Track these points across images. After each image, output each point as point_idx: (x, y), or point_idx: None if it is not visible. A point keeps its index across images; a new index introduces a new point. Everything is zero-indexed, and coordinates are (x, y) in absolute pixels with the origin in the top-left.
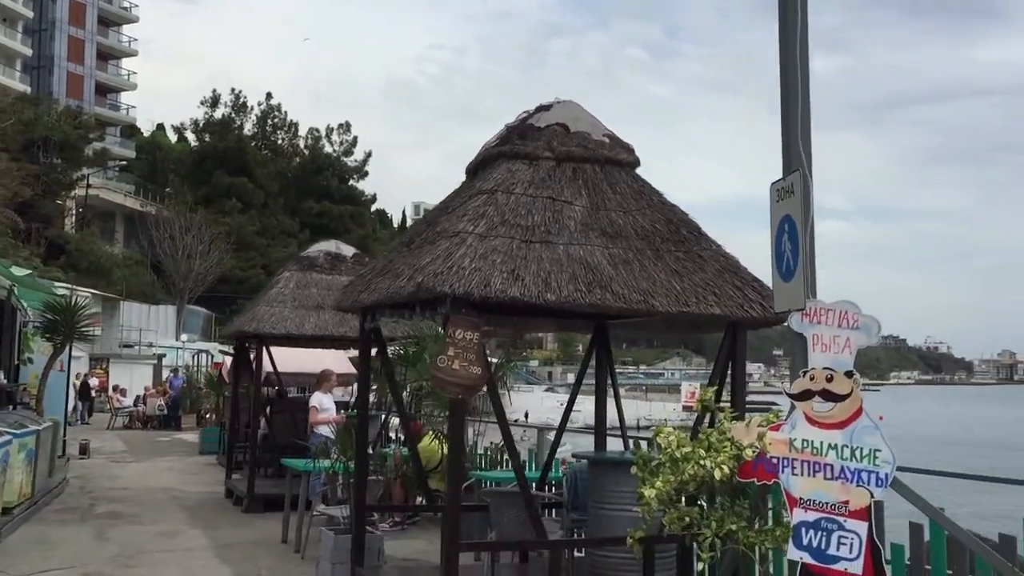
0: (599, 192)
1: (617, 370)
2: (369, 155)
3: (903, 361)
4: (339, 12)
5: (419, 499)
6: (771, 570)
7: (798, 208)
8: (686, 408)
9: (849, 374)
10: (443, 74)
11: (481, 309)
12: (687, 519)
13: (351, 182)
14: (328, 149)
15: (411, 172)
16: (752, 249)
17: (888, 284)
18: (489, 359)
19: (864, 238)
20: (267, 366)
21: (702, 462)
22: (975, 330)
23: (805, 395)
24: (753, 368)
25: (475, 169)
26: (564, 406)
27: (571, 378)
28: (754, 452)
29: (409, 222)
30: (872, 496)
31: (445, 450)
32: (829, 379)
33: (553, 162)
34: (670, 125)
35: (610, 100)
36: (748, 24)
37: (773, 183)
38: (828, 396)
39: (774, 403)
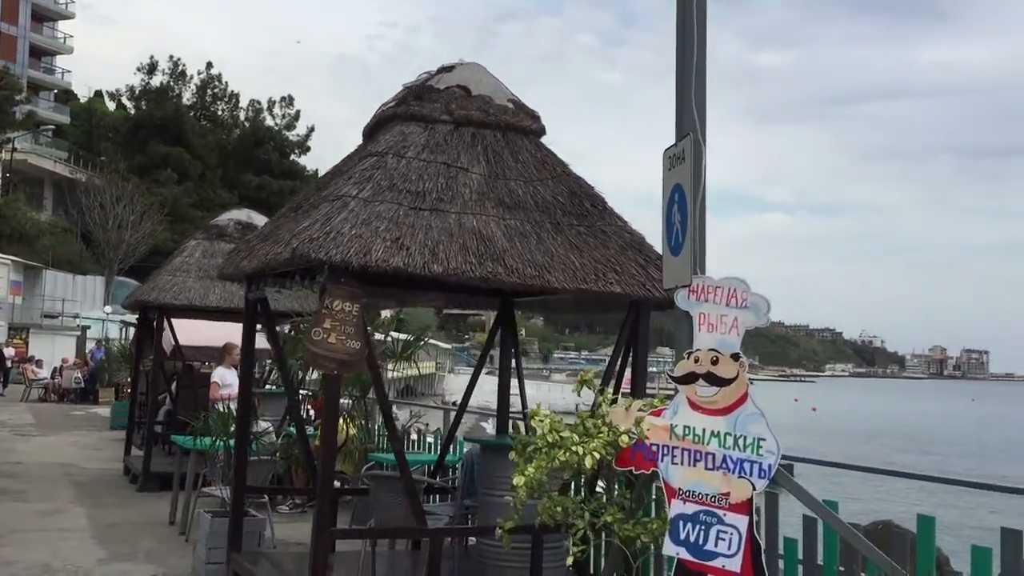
0: (499, 160)
1: (558, 355)
2: (312, 130)
3: (838, 354)
4: None
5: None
6: (652, 566)
7: (688, 176)
8: (625, 395)
9: (736, 356)
10: (394, 52)
11: (362, 279)
12: (560, 509)
13: (293, 157)
14: (270, 122)
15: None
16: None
17: (828, 277)
18: (399, 336)
19: (807, 232)
20: (173, 339)
21: (574, 448)
22: (908, 325)
23: (689, 378)
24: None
25: (371, 131)
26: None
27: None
28: (631, 438)
29: None
30: (754, 488)
31: (350, 430)
32: (715, 361)
33: (451, 126)
34: (620, 112)
35: (562, 85)
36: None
37: (665, 149)
38: (713, 380)
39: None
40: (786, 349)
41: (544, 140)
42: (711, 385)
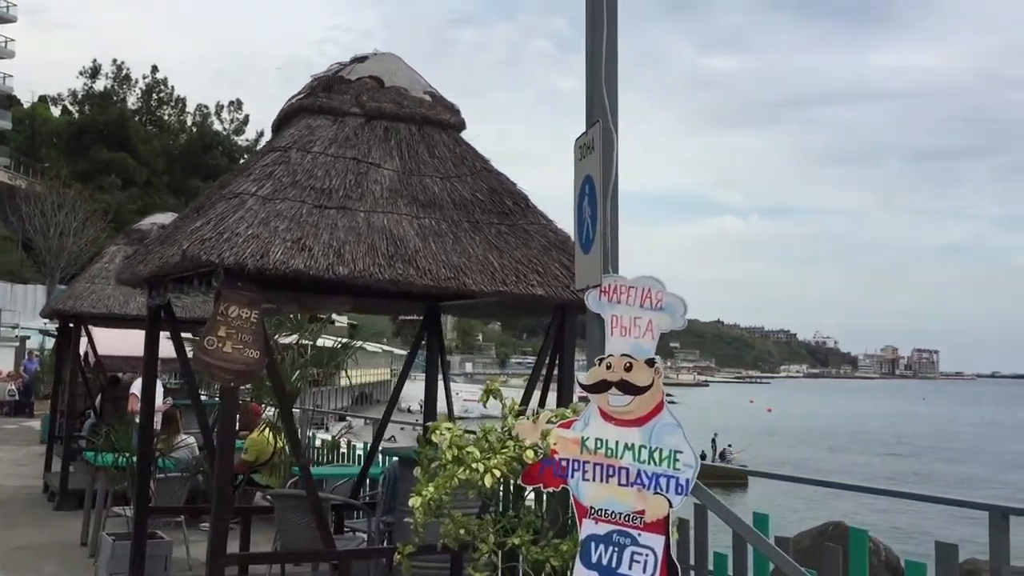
0: (414, 155)
1: (515, 360)
2: (261, 134)
3: (793, 355)
4: None
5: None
6: None
7: (598, 167)
8: (582, 399)
9: (651, 362)
10: (345, 56)
11: (262, 283)
12: (463, 531)
13: (241, 161)
14: (218, 127)
15: None
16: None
17: (782, 279)
18: (331, 342)
19: (759, 234)
20: (92, 349)
21: (474, 465)
22: (861, 325)
23: (600, 387)
24: None
25: (278, 125)
26: (460, 395)
27: (470, 367)
28: (536, 454)
29: None
30: (671, 505)
31: (278, 443)
32: (628, 368)
33: (362, 119)
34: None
35: (518, 90)
36: (651, 19)
37: (576, 139)
38: (626, 388)
39: (669, 395)
40: (742, 351)
41: (489, 144)
42: (624, 394)
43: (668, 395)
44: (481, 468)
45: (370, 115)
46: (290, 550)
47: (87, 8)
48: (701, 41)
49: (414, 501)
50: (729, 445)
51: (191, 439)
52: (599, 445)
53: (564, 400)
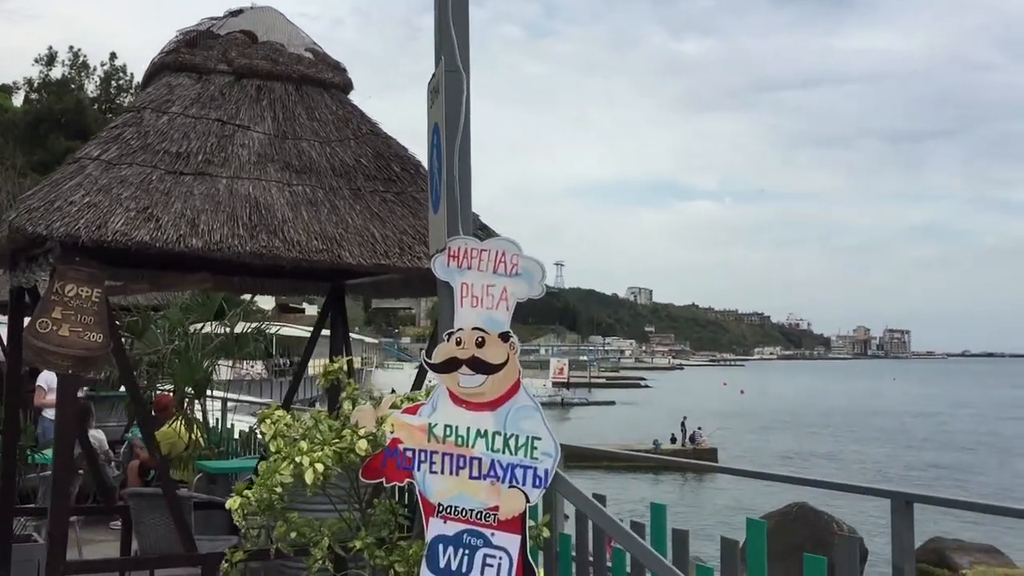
0: (290, 117)
1: None
2: None
3: (766, 337)
4: None
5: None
6: None
7: (443, 113)
8: (556, 384)
9: (505, 336)
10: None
11: (105, 258)
12: (294, 534)
13: None
14: None
15: None
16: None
17: (755, 262)
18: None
19: (734, 218)
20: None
21: (299, 459)
22: (833, 307)
23: (450, 365)
24: (625, 344)
25: (144, 86)
26: (432, 382)
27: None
28: (371, 444)
29: None
30: (528, 500)
31: (189, 436)
32: (480, 343)
33: (231, 77)
34: (545, 104)
35: (490, 76)
36: (622, 4)
37: (428, 82)
38: (478, 366)
39: (643, 378)
40: (717, 334)
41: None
42: (476, 373)
43: (640, 378)
44: (306, 462)
45: (240, 73)
46: (148, 555)
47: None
48: (672, 26)
49: (232, 502)
50: (699, 428)
51: (100, 433)
52: (448, 432)
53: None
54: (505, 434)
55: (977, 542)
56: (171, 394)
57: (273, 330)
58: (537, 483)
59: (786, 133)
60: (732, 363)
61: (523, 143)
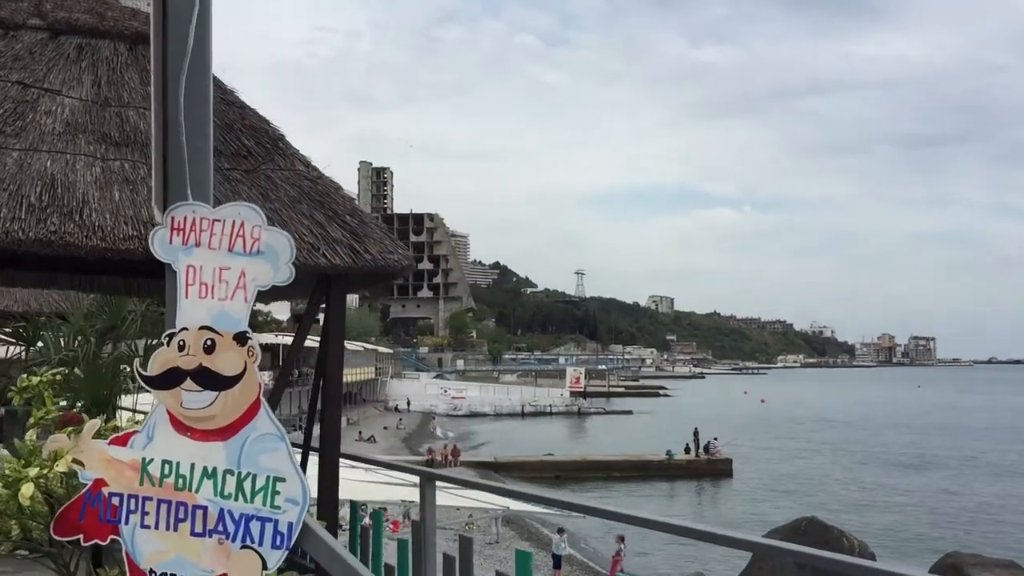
0: (118, 81)
1: (508, 356)
2: None
3: (790, 345)
4: None
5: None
6: None
7: (159, 37)
8: (573, 393)
9: (242, 338)
10: (334, 57)
11: None
12: None
13: None
14: None
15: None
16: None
17: (777, 270)
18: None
19: (754, 226)
20: None
21: None
22: (857, 314)
23: (171, 378)
24: (646, 353)
25: None
26: (447, 392)
27: (461, 364)
28: (67, 484)
29: None
30: (265, 566)
31: None
32: (209, 348)
33: (44, 33)
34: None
35: (506, 87)
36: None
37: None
38: (207, 380)
39: (663, 387)
40: (739, 342)
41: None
42: (205, 389)
43: (661, 387)
44: None
45: (56, 29)
46: None
47: None
48: (688, 34)
49: None
50: (715, 438)
51: None
52: (167, 471)
53: (329, 404)
54: (239, 473)
55: (996, 557)
56: (75, 411)
57: (281, 340)
58: (278, 542)
59: (804, 139)
60: (755, 371)
61: (540, 151)
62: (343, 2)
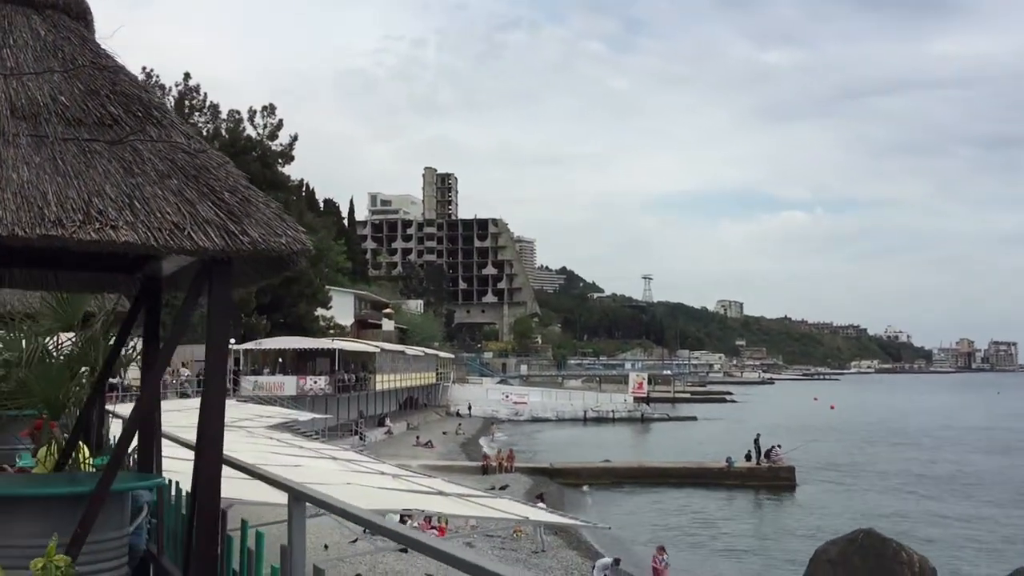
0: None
1: (574, 362)
2: (295, 139)
3: (863, 350)
4: (294, 3)
5: None
6: None
7: None
8: (637, 399)
9: None
10: (401, 65)
11: None
12: None
13: (277, 167)
14: (252, 133)
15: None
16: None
17: (850, 273)
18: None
19: (826, 229)
20: None
21: None
22: (935, 319)
23: None
24: (714, 358)
25: None
26: (509, 398)
27: (525, 369)
28: None
29: (361, 212)
30: None
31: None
32: None
33: None
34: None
35: (571, 94)
36: (705, 16)
37: None
38: None
39: (729, 392)
40: (810, 347)
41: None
42: None
43: (727, 393)
44: None
45: None
46: None
47: (139, 20)
48: (755, 37)
49: None
50: (778, 445)
51: None
52: None
53: (211, 397)
54: None
55: None
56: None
57: (338, 345)
58: None
59: (876, 140)
60: (826, 377)
61: (606, 156)
62: (408, 11)
